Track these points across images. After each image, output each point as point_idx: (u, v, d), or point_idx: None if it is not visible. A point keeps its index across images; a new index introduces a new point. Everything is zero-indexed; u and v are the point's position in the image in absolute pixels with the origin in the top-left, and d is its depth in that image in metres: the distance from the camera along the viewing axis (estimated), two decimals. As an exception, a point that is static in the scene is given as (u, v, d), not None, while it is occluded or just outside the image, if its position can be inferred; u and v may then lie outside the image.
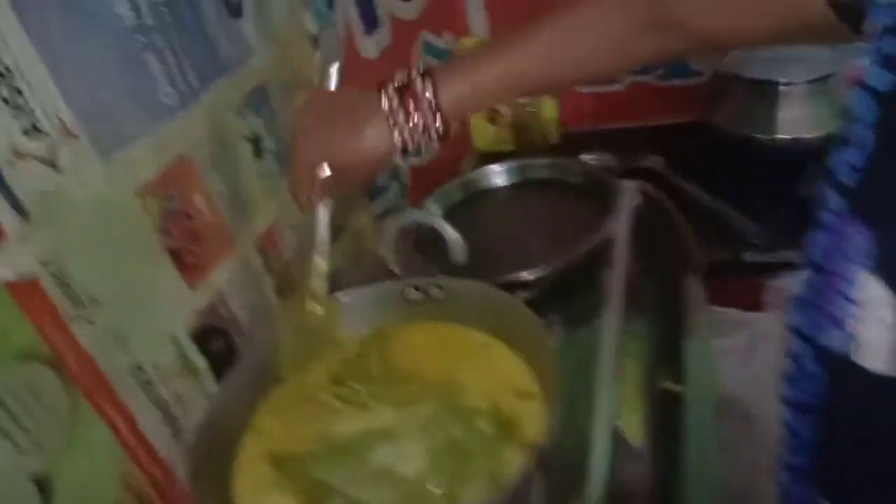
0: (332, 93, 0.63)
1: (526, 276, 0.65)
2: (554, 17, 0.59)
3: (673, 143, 1.18)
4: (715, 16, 0.55)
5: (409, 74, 0.59)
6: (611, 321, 0.64)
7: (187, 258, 0.62)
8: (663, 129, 1.29)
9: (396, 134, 0.59)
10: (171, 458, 0.59)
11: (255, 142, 0.73)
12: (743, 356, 1.08)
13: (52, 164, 0.50)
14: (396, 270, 0.66)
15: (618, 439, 0.57)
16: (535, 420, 0.51)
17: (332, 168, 0.59)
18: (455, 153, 1.22)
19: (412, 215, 0.65)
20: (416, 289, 0.61)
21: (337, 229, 0.85)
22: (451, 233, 0.62)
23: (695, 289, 0.84)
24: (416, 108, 0.58)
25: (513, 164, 0.87)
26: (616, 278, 0.69)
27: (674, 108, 1.28)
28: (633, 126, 1.32)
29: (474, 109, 0.73)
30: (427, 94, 0.58)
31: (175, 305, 0.60)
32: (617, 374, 0.60)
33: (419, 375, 0.57)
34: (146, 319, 0.57)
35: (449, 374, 0.56)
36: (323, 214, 0.60)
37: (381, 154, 0.60)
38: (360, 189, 0.90)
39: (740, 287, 1.00)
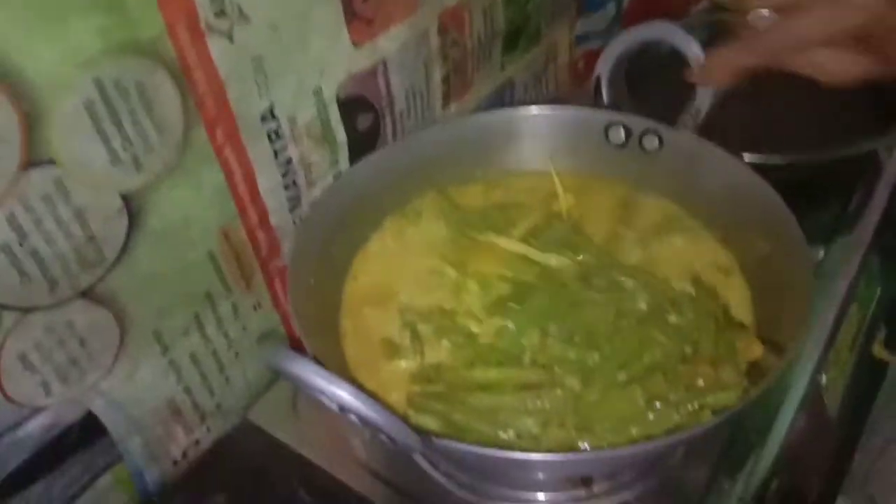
0: None
1: (775, 159, 0.49)
2: None
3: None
4: None
5: None
6: (856, 251, 0.48)
7: (360, 4, 0.49)
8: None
9: None
10: (280, 227, 0.51)
11: None
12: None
13: None
14: (607, 100, 0.50)
15: (815, 398, 0.44)
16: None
17: None
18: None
19: (656, 29, 0.46)
20: (626, 130, 0.46)
21: (531, 37, 0.70)
22: (696, 51, 0.43)
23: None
24: None
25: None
26: (877, 200, 0.51)
27: None
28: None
29: None
30: None
31: (331, 56, 0.49)
32: (841, 319, 0.45)
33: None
34: (294, 60, 0.46)
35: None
36: None
37: None
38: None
39: None
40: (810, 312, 0.33)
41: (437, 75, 0.61)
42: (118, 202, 0.40)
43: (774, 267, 0.39)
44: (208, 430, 0.53)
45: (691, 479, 0.39)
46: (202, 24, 0.40)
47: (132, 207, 0.41)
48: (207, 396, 0.52)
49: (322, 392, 0.27)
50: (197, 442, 0.53)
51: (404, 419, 0.30)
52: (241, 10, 0.42)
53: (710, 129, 0.50)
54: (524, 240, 0.46)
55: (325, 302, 0.44)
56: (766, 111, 0.59)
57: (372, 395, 0.28)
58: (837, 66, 0.35)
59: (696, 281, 0.42)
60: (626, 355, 0.38)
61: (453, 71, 0.62)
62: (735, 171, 0.42)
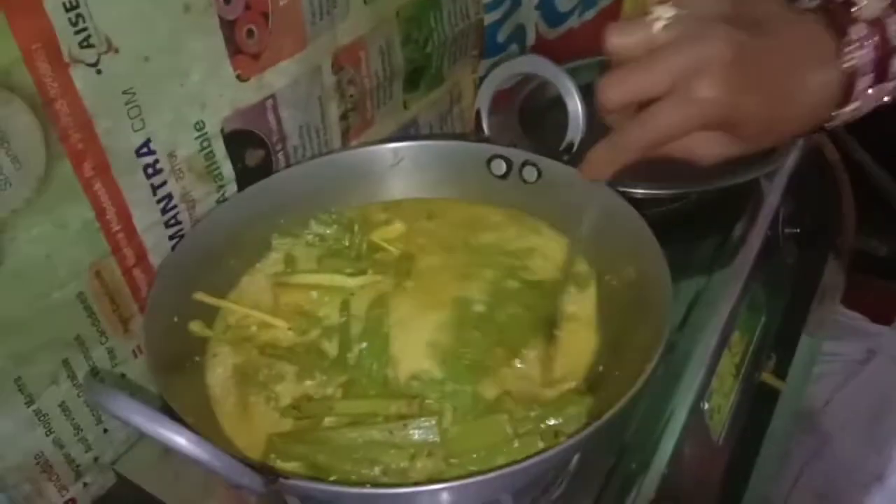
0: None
1: (651, 191, 0.50)
2: None
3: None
4: None
5: None
6: (736, 280, 0.49)
7: (243, 40, 0.49)
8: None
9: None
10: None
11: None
12: (846, 369, 0.92)
13: None
14: (487, 132, 0.52)
15: (699, 425, 0.44)
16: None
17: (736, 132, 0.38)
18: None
19: (528, 63, 0.48)
20: (506, 161, 0.46)
21: (433, 78, 0.71)
22: (572, 94, 0.46)
23: (835, 276, 0.67)
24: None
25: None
26: (757, 230, 0.53)
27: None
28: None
29: None
30: None
31: (213, 90, 0.48)
32: (722, 347, 0.46)
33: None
34: (170, 93, 0.45)
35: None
36: None
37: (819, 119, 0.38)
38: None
39: (879, 291, 0.83)
40: (663, 337, 0.34)
41: (335, 112, 0.61)
42: (-32, 240, 0.37)
43: (637, 291, 0.39)
44: (85, 486, 0.50)
45: (574, 509, 0.38)
46: (65, 55, 0.39)
47: (-13, 244, 0.38)
48: (82, 450, 0.49)
49: (152, 435, 0.26)
50: (73, 501, 0.49)
51: (246, 461, 0.28)
52: (109, 41, 0.40)
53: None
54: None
55: (188, 341, 0.42)
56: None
57: (207, 439, 0.26)
58: (705, 151, 0.38)
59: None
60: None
61: (352, 108, 0.62)
62: (607, 200, 0.42)
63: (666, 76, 0.35)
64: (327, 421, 0.38)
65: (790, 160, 0.61)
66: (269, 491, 0.28)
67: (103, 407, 0.25)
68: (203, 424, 0.35)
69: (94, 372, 0.46)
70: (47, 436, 0.46)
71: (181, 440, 0.25)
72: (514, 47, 0.84)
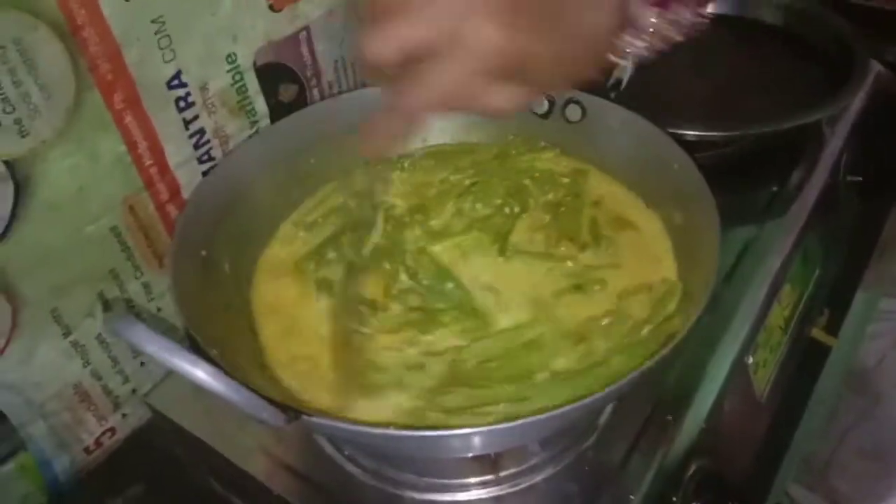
0: None
1: (691, 133, 0.47)
2: None
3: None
4: None
5: None
6: (790, 230, 0.46)
7: (277, -34, 0.47)
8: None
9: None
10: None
11: None
12: (903, 329, 0.88)
13: None
14: None
15: (742, 379, 0.42)
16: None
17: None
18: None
19: None
20: (548, 99, 0.44)
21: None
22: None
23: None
24: None
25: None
26: (816, 177, 0.50)
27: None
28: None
29: None
30: None
31: (245, 21, 0.46)
32: (771, 300, 0.44)
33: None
34: (201, 23, 0.44)
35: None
36: None
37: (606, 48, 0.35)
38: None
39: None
40: (709, 290, 0.32)
41: (371, 47, 0.58)
42: (0, 169, 0.37)
43: (689, 232, 0.37)
44: (123, 416, 0.51)
45: (604, 460, 0.37)
46: (91, -22, 0.37)
47: (18, 176, 0.38)
48: (119, 381, 0.49)
49: (171, 367, 0.25)
50: (112, 430, 0.50)
51: (267, 397, 0.28)
52: (138, -34, 0.39)
53: (652, 102, 0.48)
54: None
55: (220, 275, 0.42)
56: (708, 86, 0.57)
57: (230, 373, 0.26)
58: (498, 103, 0.33)
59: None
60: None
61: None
62: (656, 140, 0.40)
63: (433, 21, 0.30)
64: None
65: (856, 102, 0.56)
66: (291, 427, 0.28)
67: (121, 336, 0.25)
68: (232, 358, 0.34)
69: (107, 307, 0.45)
70: (85, 367, 0.46)
71: (199, 373, 0.25)
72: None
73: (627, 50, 0.35)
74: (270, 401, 0.27)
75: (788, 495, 0.85)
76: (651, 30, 0.35)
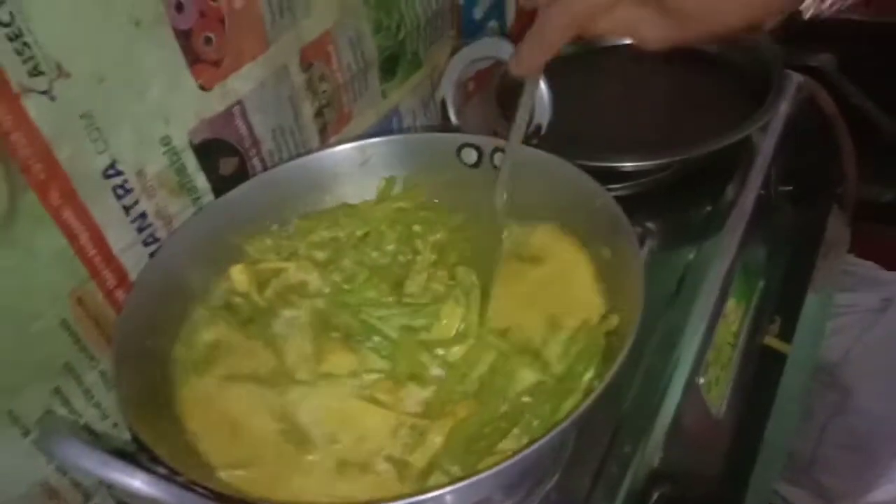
0: None
1: (627, 165, 0.49)
2: None
3: (847, 42, 0.92)
4: None
5: None
6: (727, 247, 0.48)
7: (201, 48, 0.48)
8: (837, 23, 1.03)
9: None
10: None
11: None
12: (863, 320, 0.90)
13: None
14: (454, 121, 0.50)
15: (696, 400, 0.43)
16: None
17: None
18: None
19: (487, 47, 0.47)
20: (476, 150, 0.45)
21: (410, 63, 0.70)
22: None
23: (839, 229, 0.65)
24: None
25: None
26: (747, 192, 0.51)
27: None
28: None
29: None
30: None
31: (175, 103, 0.47)
32: (716, 318, 0.45)
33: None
34: (130, 111, 0.44)
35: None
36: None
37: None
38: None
39: (890, 239, 0.80)
40: (635, 326, 0.32)
41: (308, 110, 0.60)
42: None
43: (615, 269, 0.38)
44: (94, 507, 0.50)
45: (568, 499, 0.37)
46: (14, 86, 0.38)
47: (-44, 284, 0.38)
48: (86, 472, 0.49)
49: (108, 482, 0.25)
50: (84, 523, 0.50)
51: (214, 495, 0.28)
52: (59, 66, 0.40)
53: (578, 140, 0.49)
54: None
55: (162, 364, 0.42)
56: (634, 115, 0.59)
57: (173, 476, 0.26)
58: (647, 32, 0.35)
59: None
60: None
61: (327, 104, 0.61)
62: (577, 180, 0.41)
63: None
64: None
65: (780, 115, 0.58)
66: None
67: (52, 455, 0.25)
68: (185, 456, 0.34)
69: (45, 420, 0.44)
70: (49, 463, 0.46)
71: (136, 483, 0.25)
72: (493, 24, 0.82)
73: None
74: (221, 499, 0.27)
75: (779, 494, 0.86)
76: None
